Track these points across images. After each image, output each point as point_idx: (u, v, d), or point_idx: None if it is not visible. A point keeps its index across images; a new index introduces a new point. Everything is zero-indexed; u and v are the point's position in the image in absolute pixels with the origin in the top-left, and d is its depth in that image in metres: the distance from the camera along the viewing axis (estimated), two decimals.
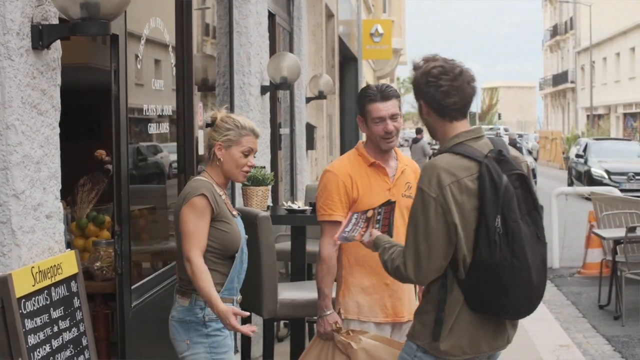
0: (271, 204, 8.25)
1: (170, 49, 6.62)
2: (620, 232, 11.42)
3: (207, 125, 4.89)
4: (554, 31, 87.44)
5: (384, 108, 5.23)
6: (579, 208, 18.69)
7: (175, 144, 6.93)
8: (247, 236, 4.98)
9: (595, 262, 13.23)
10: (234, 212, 4.92)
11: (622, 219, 12.88)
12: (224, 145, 4.79)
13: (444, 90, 4.03)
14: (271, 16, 10.44)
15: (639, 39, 59.94)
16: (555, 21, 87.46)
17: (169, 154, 7.02)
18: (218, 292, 4.63)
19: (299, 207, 7.19)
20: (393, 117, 5.25)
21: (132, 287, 5.45)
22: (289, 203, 7.39)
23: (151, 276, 6.01)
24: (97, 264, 5.84)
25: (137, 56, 5.90)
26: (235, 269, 4.81)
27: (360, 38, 22.95)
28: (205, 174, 4.85)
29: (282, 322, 8.58)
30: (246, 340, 6.48)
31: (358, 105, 5.35)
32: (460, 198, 3.92)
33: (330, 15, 16.25)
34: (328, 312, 5.22)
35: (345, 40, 20.10)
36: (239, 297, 4.92)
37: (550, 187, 17.67)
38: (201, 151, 7.26)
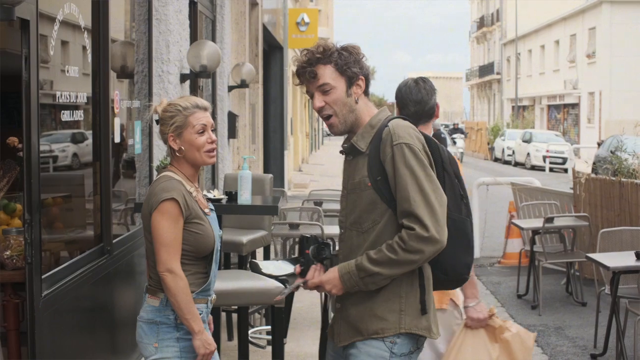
0: None
1: (85, 34, 6.54)
2: (538, 223, 11.55)
3: (157, 122, 4.60)
4: (481, 23, 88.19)
5: None
6: (500, 198, 18.87)
7: (90, 131, 6.85)
8: (221, 231, 4.71)
9: (515, 252, 13.37)
10: (207, 210, 4.57)
11: (541, 209, 13.04)
12: (175, 134, 4.46)
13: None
14: (193, 4, 10.37)
15: (563, 31, 60.71)
16: (482, 13, 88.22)
17: (84, 141, 6.94)
18: (192, 292, 4.39)
19: (214, 196, 7.15)
20: None
21: (43, 277, 5.36)
22: (205, 192, 7.34)
23: (63, 265, 5.92)
24: (7, 253, 5.73)
25: (50, 42, 5.81)
26: (212, 270, 4.54)
27: (286, 27, 22.92)
28: (173, 169, 4.51)
29: None
30: None
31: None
32: (427, 158, 3.82)
33: (254, 4, 16.18)
34: (478, 300, 5.19)
35: (271, 29, 20.04)
36: (214, 297, 4.63)
37: (475, 177, 17.82)
38: (117, 139, 7.20)
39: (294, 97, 31.09)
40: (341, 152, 4.01)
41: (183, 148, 4.45)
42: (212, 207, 4.69)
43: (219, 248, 4.60)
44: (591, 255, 8.94)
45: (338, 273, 3.84)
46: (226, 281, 6.26)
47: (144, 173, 8.09)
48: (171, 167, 4.52)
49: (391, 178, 3.78)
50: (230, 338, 8.41)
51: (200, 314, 4.42)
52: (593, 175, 13.23)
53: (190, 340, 4.39)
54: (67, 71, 6.25)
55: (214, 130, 4.59)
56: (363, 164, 3.86)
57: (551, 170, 39.98)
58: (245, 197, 6.98)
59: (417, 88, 5.44)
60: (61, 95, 6.09)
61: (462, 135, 51.95)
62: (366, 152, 3.87)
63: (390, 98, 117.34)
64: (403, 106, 5.56)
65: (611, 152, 17.47)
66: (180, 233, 4.38)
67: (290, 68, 26.50)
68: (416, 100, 5.45)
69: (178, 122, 4.44)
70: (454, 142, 48.58)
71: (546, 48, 65.11)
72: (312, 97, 3.97)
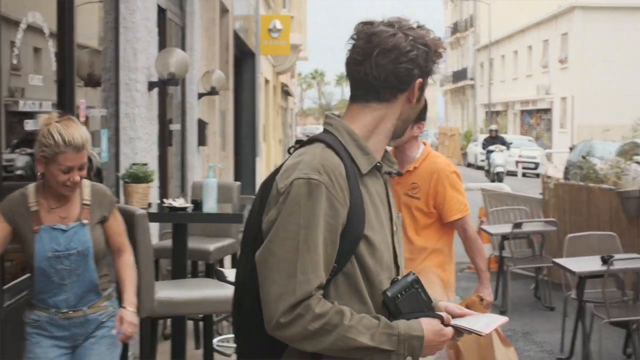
0: (158, 201, 8.18)
1: (50, 42, 6.53)
2: (507, 228, 11.61)
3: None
4: (455, 28, 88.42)
5: None
6: (471, 203, 18.88)
7: None
8: (62, 251, 4.66)
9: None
10: (36, 227, 4.63)
11: (510, 215, 13.11)
12: (42, 161, 4.57)
13: None
14: (162, 11, 10.36)
15: (536, 37, 60.98)
16: (456, 19, 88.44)
17: None
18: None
19: (179, 204, 7.15)
20: None
21: (4, 287, 5.36)
22: (170, 200, 7.34)
23: (26, 276, 5.89)
24: None
25: (13, 50, 5.80)
26: (39, 283, 4.66)
27: (258, 33, 22.89)
28: (39, 182, 4.69)
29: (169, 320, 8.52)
30: None
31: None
32: None
33: (224, 11, 16.15)
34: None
35: (243, 36, 20.01)
36: (69, 312, 4.70)
37: None
38: None
39: (267, 104, 31.09)
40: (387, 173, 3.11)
41: (45, 175, 4.59)
42: (70, 226, 4.69)
43: (55, 267, 4.63)
44: (558, 260, 9.01)
45: None
46: (191, 290, 6.27)
47: (111, 182, 8.07)
48: (40, 179, 4.66)
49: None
50: (197, 347, 8.39)
51: (36, 321, 4.70)
52: (562, 181, 13.32)
53: (27, 340, 4.77)
54: (32, 79, 6.24)
55: (81, 169, 4.62)
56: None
57: (524, 175, 40.08)
58: (210, 205, 6.98)
59: None
60: (25, 104, 6.08)
61: (503, 147, 35.62)
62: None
63: None
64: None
65: (582, 157, 17.61)
66: (1, 236, 4.63)
67: (263, 74, 26.47)
68: None
69: (47, 154, 4.52)
70: (487, 158, 35.84)
71: (519, 53, 65.37)
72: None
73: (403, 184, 5.95)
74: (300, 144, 2.96)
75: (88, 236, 4.71)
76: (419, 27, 2.99)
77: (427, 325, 2.83)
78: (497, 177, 32.74)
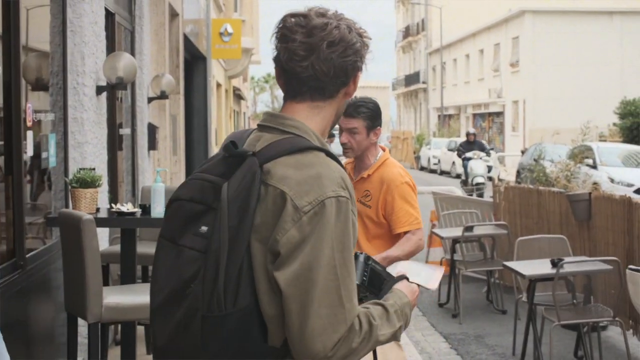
0: (108, 206, 8.10)
1: None
2: (459, 232, 11.64)
3: None
4: (407, 32, 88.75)
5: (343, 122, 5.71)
6: (422, 206, 18.93)
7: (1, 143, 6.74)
8: None
9: (437, 261, 13.44)
10: None
11: (462, 218, 13.15)
12: None
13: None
14: (110, 15, 10.27)
15: (487, 41, 61.38)
16: (408, 22, 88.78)
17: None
18: None
19: (127, 209, 7.08)
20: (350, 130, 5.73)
21: None
22: (119, 205, 7.27)
23: None
24: None
25: None
26: None
27: (209, 37, 22.82)
28: None
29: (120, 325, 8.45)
30: (72, 344, 6.34)
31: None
32: None
33: (174, 15, 16.08)
34: None
35: (194, 40, 19.94)
36: None
37: None
38: (30, 152, 7.10)
39: (219, 108, 31.00)
40: None
41: None
42: None
43: None
44: (508, 263, 9.03)
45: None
46: (140, 295, 6.20)
47: (60, 186, 7.99)
48: None
49: None
50: (149, 352, 8.33)
51: None
52: (512, 184, 13.38)
53: None
54: None
55: None
56: None
57: None
58: (158, 210, 6.91)
59: None
60: None
61: (482, 154, 29.14)
62: None
63: None
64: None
65: (534, 160, 17.74)
66: None
67: (214, 78, 26.38)
68: None
69: None
70: (464, 167, 29.30)
71: (471, 57, 65.77)
72: None
73: (357, 190, 5.74)
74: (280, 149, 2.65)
75: None
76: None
77: (403, 289, 2.85)
78: (477, 189, 27.31)
